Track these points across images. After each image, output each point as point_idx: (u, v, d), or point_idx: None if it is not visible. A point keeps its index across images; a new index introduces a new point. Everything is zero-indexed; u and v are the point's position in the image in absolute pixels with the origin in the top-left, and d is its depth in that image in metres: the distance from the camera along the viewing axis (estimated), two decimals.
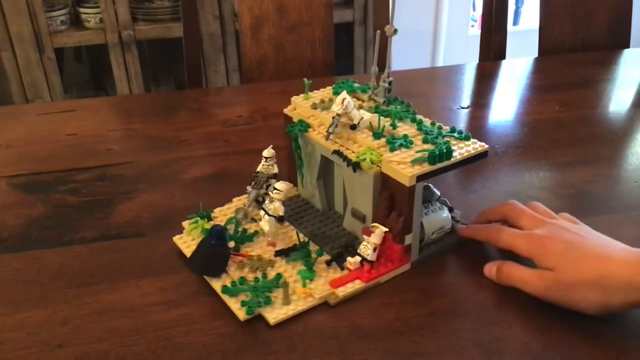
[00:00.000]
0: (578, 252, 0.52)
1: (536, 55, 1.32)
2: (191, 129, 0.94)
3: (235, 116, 0.99)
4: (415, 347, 0.51)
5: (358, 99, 0.69)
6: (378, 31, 0.63)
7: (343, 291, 0.56)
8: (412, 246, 0.59)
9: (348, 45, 2.19)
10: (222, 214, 0.68)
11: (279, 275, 0.58)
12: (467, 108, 1.01)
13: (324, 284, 0.57)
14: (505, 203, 0.62)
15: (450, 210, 0.64)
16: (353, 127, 0.61)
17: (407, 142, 0.59)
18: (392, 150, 0.58)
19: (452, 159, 0.57)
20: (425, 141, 0.59)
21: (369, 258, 0.57)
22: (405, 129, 0.62)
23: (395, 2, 0.61)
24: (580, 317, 0.53)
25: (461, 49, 2.59)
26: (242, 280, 0.57)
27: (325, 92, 0.71)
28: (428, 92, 1.11)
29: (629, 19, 1.34)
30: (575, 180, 0.77)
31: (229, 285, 0.56)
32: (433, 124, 0.63)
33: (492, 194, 0.74)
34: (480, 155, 0.59)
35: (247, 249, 0.62)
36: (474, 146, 0.60)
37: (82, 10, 1.94)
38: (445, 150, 0.56)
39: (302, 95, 0.70)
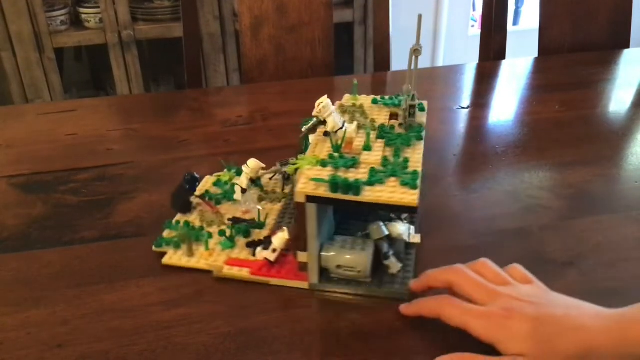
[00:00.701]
0: (548, 328, 0.46)
1: (536, 55, 1.32)
2: (191, 129, 0.94)
3: (235, 116, 0.99)
4: (415, 347, 0.51)
5: (393, 115, 0.67)
6: (411, 48, 0.62)
7: (228, 270, 0.60)
8: (310, 267, 0.57)
9: (348, 45, 2.19)
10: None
11: (209, 234, 0.64)
12: (467, 108, 1.01)
13: (225, 258, 0.61)
14: (449, 268, 0.53)
15: (386, 257, 0.58)
16: (326, 134, 0.61)
17: (352, 162, 0.55)
18: (324, 165, 0.55)
19: (360, 197, 0.51)
20: (383, 172, 0.55)
21: (268, 256, 0.59)
22: (375, 155, 0.57)
23: (421, 23, 0.61)
24: None
25: (461, 49, 2.59)
26: (187, 223, 0.64)
27: (370, 98, 0.71)
28: (428, 92, 1.11)
29: (629, 19, 1.34)
30: (575, 180, 0.77)
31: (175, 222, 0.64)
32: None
33: (492, 194, 0.75)
34: (409, 210, 0.52)
35: (225, 206, 0.70)
36: (407, 197, 0.51)
37: (82, 10, 1.94)
38: (353, 185, 0.51)
39: (348, 95, 0.71)
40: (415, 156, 0.58)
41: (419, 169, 0.55)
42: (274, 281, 0.59)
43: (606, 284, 0.58)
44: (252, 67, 1.26)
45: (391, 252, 0.58)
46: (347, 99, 0.70)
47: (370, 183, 0.53)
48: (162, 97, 1.34)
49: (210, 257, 0.62)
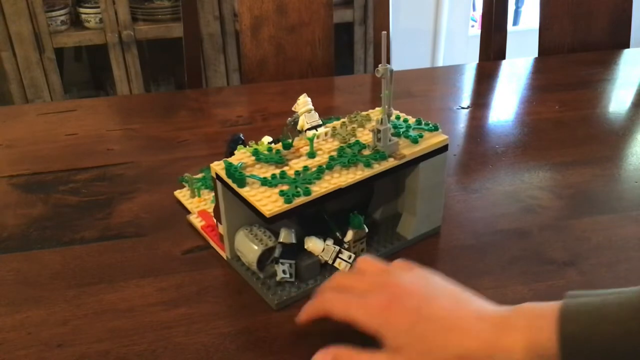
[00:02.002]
0: (426, 325, 0.44)
1: (536, 55, 1.32)
2: (191, 129, 0.94)
3: (235, 116, 0.99)
4: None
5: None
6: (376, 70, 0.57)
7: (194, 218, 0.68)
8: (225, 241, 0.60)
9: (348, 45, 2.19)
10: None
11: (203, 182, 0.73)
12: (467, 108, 1.01)
13: (208, 205, 0.70)
14: (318, 294, 0.51)
15: (275, 261, 0.57)
16: (299, 131, 0.63)
17: (277, 161, 0.58)
18: (255, 154, 0.59)
19: (240, 189, 0.54)
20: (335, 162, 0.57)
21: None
22: (306, 163, 0.58)
23: (389, 45, 0.58)
24: None
25: (461, 49, 2.59)
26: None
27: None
28: (428, 92, 1.11)
29: (629, 19, 1.35)
30: (575, 180, 0.77)
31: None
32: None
33: (492, 194, 0.75)
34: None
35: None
36: (263, 207, 0.52)
37: (82, 10, 1.94)
38: (235, 175, 0.54)
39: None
40: (332, 179, 0.56)
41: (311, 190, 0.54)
42: (211, 242, 0.65)
43: (606, 283, 0.58)
44: (252, 67, 1.26)
45: (284, 261, 0.56)
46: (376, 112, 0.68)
47: (263, 180, 0.55)
48: (162, 97, 1.34)
49: (199, 202, 0.71)
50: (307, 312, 0.51)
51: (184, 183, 0.75)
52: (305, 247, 0.58)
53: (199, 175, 0.76)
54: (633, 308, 0.38)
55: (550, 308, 0.42)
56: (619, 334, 0.38)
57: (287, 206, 0.52)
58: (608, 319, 0.39)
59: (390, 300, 0.46)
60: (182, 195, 0.73)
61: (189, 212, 0.70)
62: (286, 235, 0.57)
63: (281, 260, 0.56)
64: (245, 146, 0.64)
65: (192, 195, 0.72)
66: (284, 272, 0.56)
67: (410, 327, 0.44)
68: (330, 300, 0.49)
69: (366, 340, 0.52)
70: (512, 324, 0.43)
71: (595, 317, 0.40)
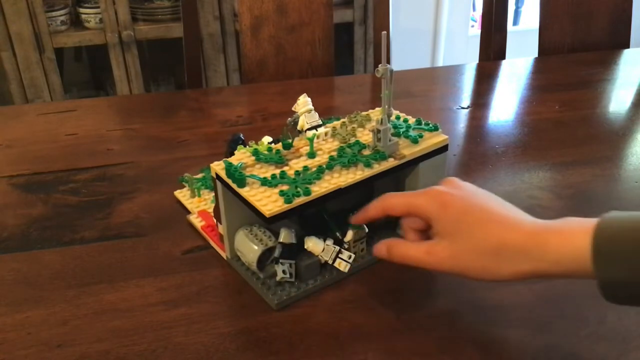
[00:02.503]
0: (472, 217, 0.48)
1: (536, 55, 1.32)
2: (191, 129, 0.94)
3: (235, 116, 0.99)
4: (415, 347, 0.51)
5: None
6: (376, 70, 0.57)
7: (194, 218, 0.68)
8: (225, 241, 0.60)
9: (348, 45, 2.19)
10: None
11: (202, 182, 0.73)
12: (467, 108, 1.01)
13: (208, 205, 0.70)
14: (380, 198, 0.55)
15: (275, 261, 0.57)
16: (299, 131, 0.63)
17: (276, 161, 0.58)
18: (255, 154, 0.59)
19: (240, 189, 0.54)
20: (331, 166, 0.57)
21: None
22: (306, 164, 0.58)
23: (389, 45, 0.58)
24: (580, 316, 0.53)
25: (461, 49, 2.59)
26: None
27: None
28: (428, 92, 1.11)
29: (629, 19, 1.35)
30: (575, 180, 0.77)
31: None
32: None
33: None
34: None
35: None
36: (263, 207, 0.52)
37: (82, 10, 1.94)
38: (235, 175, 0.54)
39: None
40: (333, 179, 0.56)
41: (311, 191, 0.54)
42: (211, 242, 0.64)
43: None
44: (252, 67, 1.26)
45: (284, 261, 0.56)
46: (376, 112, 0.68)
47: (263, 180, 0.55)
48: (162, 97, 1.34)
49: (199, 202, 0.71)
50: (366, 213, 0.55)
51: (184, 183, 0.75)
52: (305, 247, 0.58)
53: (199, 175, 0.76)
54: None
55: (588, 220, 0.44)
56: None
57: (287, 206, 0.52)
58: (634, 229, 0.41)
59: (446, 187, 0.51)
60: (182, 195, 0.73)
61: (189, 212, 0.70)
62: (286, 235, 0.57)
63: (281, 260, 0.56)
64: (245, 146, 0.64)
65: (192, 195, 0.72)
66: (283, 272, 0.56)
67: (459, 217, 0.48)
68: (389, 197, 0.54)
69: (366, 341, 0.52)
70: (550, 227, 0.46)
71: (627, 227, 0.42)
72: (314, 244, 0.58)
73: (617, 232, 0.42)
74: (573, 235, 0.44)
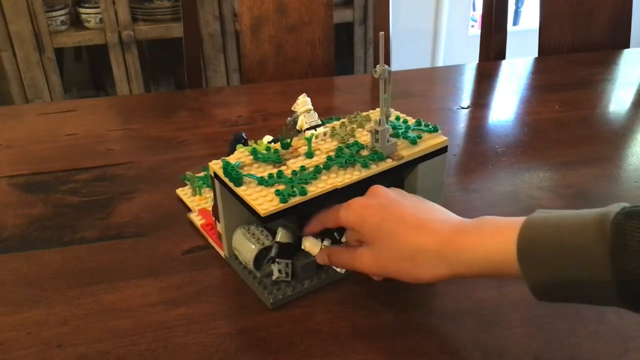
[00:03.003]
0: (391, 223, 0.50)
1: (536, 55, 1.32)
2: (191, 129, 0.94)
3: (235, 116, 0.99)
4: (415, 347, 0.51)
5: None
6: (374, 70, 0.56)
7: (194, 216, 0.68)
8: (223, 240, 0.61)
9: (348, 45, 2.19)
10: None
11: (203, 181, 0.73)
12: (467, 108, 1.01)
13: (209, 203, 0.69)
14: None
15: (271, 260, 0.57)
16: (298, 131, 0.63)
17: (274, 160, 0.58)
18: (253, 153, 0.59)
19: (237, 188, 0.54)
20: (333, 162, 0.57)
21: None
22: (304, 163, 0.58)
23: (389, 45, 0.58)
24: (581, 317, 0.53)
25: (461, 49, 2.59)
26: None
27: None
28: (428, 92, 1.11)
29: (629, 19, 1.35)
30: (575, 180, 0.77)
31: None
32: None
33: (492, 194, 0.75)
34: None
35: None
36: (258, 206, 0.52)
37: (82, 10, 1.94)
38: (232, 174, 0.55)
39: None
40: (329, 179, 0.56)
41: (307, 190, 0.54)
42: (209, 240, 0.65)
43: None
44: (252, 67, 1.26)
45: (280, 260, 0.57)
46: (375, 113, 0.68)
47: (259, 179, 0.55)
48: (162, 97, 1.34)
49: (200, 201, 0.71)
50: (310, 226, 0.58)
51: (185, 181, 0.75)
52: (302, 247, 0.58)
53: (201, 174, 0.76)
54: (584, 223, 0.40)
55: (510, 221, 0.45)
56: (567, 244, 0.40)
57: (282, 205, 0.52)
58: (558, 229, 0.41)
59: (367, 201, 0.53)
60: (184, 193, 0.73)
61: (189, 210, 0.70)
62: (283, 235, 0.57)
63: (277, 260, 0.56)
64: (246, 145, 0.64)
65: (194, 194, 0.72)
66: (279, 271, 0.56)
67: (377, 226, 0.50)
68: (325, 211, 0.56)
69: (366, 341, 0.52)
70: (469, 229, 0.47)
71: (550, 226, 0.42)
72: (311, 244, 0.58)
73: (540, 233, 0.42)
74: (494, 237, 0.44)
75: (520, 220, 0.44)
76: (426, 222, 0.49)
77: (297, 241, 0.58)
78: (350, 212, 0.53)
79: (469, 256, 0.45)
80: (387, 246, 0.50)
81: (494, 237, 0.44)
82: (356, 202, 0.53)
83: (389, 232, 0.50)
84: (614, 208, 0.40)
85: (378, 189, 0.54)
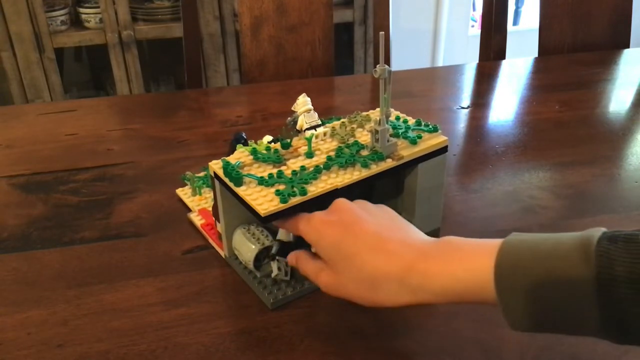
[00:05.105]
0: (350, 242, 0.46)
1: (536, 55, 1.32)
2: (191, 129, 0.94)
3: (235, 116, 0.99)
4: (415, 347, 0.51)
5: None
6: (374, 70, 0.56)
7: (194, 216, 0.68)
8: (223, 240, 0.60)
9: (348, 45, 2.19)
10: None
11: (203, 181, 0.73)
12: (467, 108, 1.01)
13: (209, 203, 0.69)
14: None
15: (272, 257, 0.57)
16: (298, 131, 0.63)
17: (274, 160, 0.58)
18: (253, 153, 0.59)
19: (237, 188, 0.54)
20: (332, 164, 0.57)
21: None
22: (304, 163, 0.57)
23: (389, 45, 0.58)
24: None
25: (461, 49, 2.59)
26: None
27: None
28: (428, 92, 1.11)
29: (629, 19, 1.35)
30: (575, 180, 0.77)
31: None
32: None
33: (492, 194, 0.75)
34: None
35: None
36: (259, 206, 0.52)
37: (82, 10, 1.94)
38: (232, 174, 0.54)
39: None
40: (330, 179, 0.55)
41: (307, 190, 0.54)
42: (209, 240, 0.65)
43: None
44: (252, 67, 1.26)
45: (280, 258, 0.56)
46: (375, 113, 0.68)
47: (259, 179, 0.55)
48: (162, 97, 1.34)
49: (200, 201, 0.71)
50: (281, 224, 0.54)
51: (185, 181, 0.75)
52: (293, 241, 0.58)
53: (201, 174, 0.76)
54: (566, 248, 0.39)
55: (479, 244, 0.42)
56: (542, 268, 0.38)
57: (282, 206, 0.52)
58: (538, 255, 0.39)
59: (328, 217, 0.49)
60: (184, 193, 0.73)
61: (189, 210, 0.70)
62: (283, 233, 0.57)
63: (277, 258, 0.56)
64: (246, 145, 0.64)
65: (194, 194, 0.72)
66: (279, 269, 0.56)
67: (336, 243, 0.47)
68: (292, 219, 0.52)
69: (366, 341, 0.52)
70: (433, 253, 0.44)
71: (530, 247, 0.40)
72: (282, 234, 0.58)
73: (519, 259, 0.39)
74: (461, 263, 0.42)
75: (489, 244, 0.42)
76: (389, 243, 0.45)
77: (298, 240, 0.58)
78: (310, 227, 0.49)
79: (435, 284, 0.42)
80: (345, 268, 0.46)
81: (462, 264, 0.42)
82: (316, 217, 0.49)
83: (347, 254, 0.46)
84: (595, 232, 0.38)
85: (341, 204, 0.50)
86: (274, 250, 0.56)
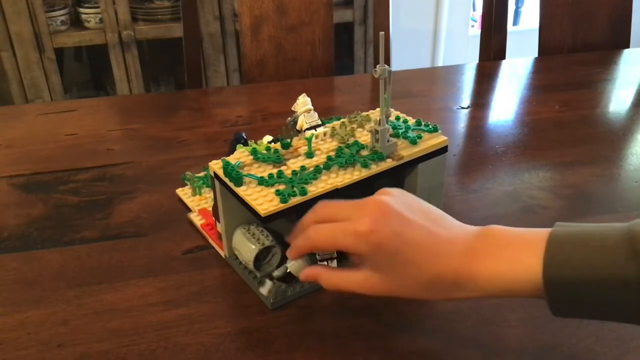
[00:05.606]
0: (407, 255, 0.46)
1: (536, 55, 1.32)
2: (191, 129, 0.94)
3: (235, 116, 0.99)
4: (415, 347, 0.51)
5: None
6: (374, 70, 0.56)
7: (194, 216, 0.68)
8: (223, 239, 0.60)
9: (348, 45, 2.19)
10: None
11: (203, 181, 0.74)
12: (467, 108, 1.01)
13: (209, 203, 0.69)
14: (300, 232, 0.51)
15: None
16: (298, 131, 0.63)
17: (274, 160, 0.58)
18: (253, 153, 0.59)
19: (237, 188, 0.54)
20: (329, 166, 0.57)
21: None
22: (304, 163, 0.57)
23: (389, 45, 0.57)
24: None
25: (461, 49, 2.59)
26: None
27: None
28: (428, 92, 1.11)
29: (629, 19, 1.35)
30: (575, 180, 0.77)
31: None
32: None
33: (492, 194, 0.75)
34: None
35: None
36: (259, 206, 0.52)
37: (82, 10, 1.94)
38: (232, 174, 0.54)
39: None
40: (330, 179, 0.56)
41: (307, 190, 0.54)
42: (209, 240, 0.65)
43: None
44: (252, 67, 1.26)
45: (278, 282, 0.56)
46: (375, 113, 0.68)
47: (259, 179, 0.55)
48: (162, 97, 1.34)
49: (200, 201, 0.71)
50: (296, 249, 0.51)
51: (185, 181, 0.75)
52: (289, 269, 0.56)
53: (201, 174, 0.76)
54: (612, 244, 0.40)
55: (526, 236, 0.45)
56: (595, 260, 0.40)
57: (282, 206, 0.52)
58: (585, 254, 0.41)
59: (374, 223, 0.47)
60: (184, 193, 0.73)
61: (189, 210, 0.70)
62: (295, 267, 0.53)
63: (275, 280, 0.56)
64: (246, 145, 0.64)
65: (194, 194, 0.72)
66: (269, 291, 0.56)
67: (394, 252, 0.46)
68: (315, 232, 0.49)
69: (366, 341, 0.52)
70: (480, 249, 0.45)
71: (577, 244, 0.42)
72: (296, 268, 0.57)
73: (567, 255, 0.41)
74: (511, 263, 0.44)
75: (534, 237, 0.44)
76: (439, 246, 0.47)
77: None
78: (359, 239, 0.47)
79: (484, 283, 0.44)
80: (401, 276, 0.47)
81: (510, 263, 0.44)
82: (359, 228, 0.47)
83: (403, 263, 0.46)
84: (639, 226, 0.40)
85: (386, 208, 0.48)
86: (277, 273, 0.55)
